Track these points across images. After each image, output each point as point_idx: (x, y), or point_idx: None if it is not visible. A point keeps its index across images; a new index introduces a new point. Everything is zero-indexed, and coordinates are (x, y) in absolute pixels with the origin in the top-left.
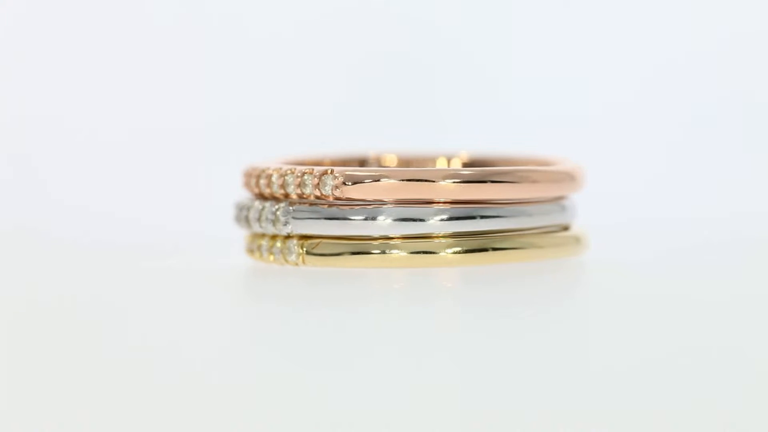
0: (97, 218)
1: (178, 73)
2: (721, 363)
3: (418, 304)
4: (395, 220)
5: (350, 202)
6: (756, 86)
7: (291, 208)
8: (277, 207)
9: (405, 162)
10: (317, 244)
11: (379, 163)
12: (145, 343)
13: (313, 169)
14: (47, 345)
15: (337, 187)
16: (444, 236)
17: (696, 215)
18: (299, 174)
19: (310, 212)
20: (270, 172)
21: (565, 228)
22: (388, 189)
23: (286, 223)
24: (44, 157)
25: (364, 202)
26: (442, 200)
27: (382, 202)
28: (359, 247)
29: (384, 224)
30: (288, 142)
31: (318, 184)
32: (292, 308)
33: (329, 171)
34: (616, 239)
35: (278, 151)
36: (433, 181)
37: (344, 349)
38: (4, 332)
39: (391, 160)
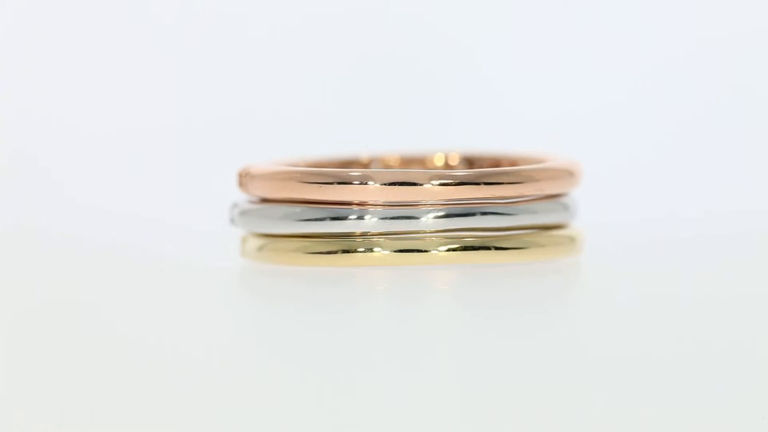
0: (97, 216)
1: (181, 71)
2: (721, 362)
3: (415, 303)
4: (301, 220)
5: (260, 199)
6: (753, 84)
7: (238, 207)
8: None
9: (403, 162)
10: (246, 240)
11: (378, 164)
12: (142, 341)
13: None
14: (43, 345)
15: (247, 185)
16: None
17: (694, 212)
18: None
19: (239, 211)
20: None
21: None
22: (287, 187)
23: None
24: (43, 155)
25: (274, 201)
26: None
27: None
28: (280, 245)
29: (286, 223)
30: (304, 143)
31: (242, 183)
32: (289, 308)
33: (248, 169)
34: (614, 238)
35: (294, 151)
36: (319, 183)
37: (336, 350)
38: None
39: (390, 160)
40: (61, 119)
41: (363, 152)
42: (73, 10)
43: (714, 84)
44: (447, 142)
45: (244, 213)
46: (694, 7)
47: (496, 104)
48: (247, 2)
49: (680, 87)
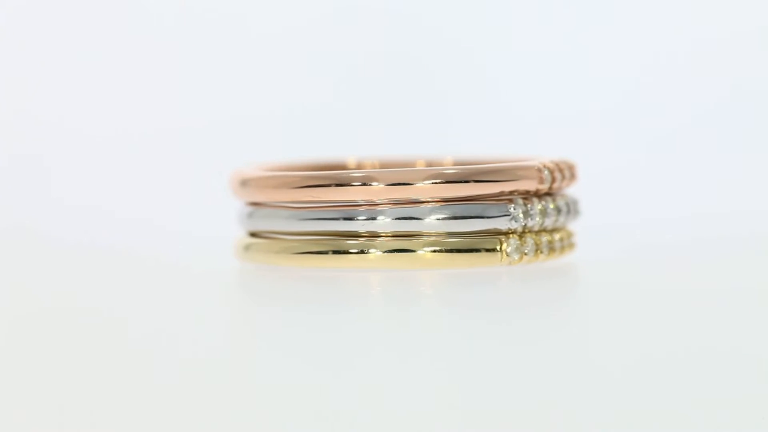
0: (95, 218)
1: (176, 73)
2: (720, 361)
3: (410, 305)
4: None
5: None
6: (753, 84)
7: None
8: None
9: (387, 166)
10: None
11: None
12: (140, 343)
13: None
14: (42, 347)
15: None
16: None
17: (691, 212)
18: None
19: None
20: None
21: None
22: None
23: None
24: (43, 157)
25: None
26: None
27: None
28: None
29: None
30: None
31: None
32: (284, 309)
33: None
34: (611, 238)
35: (288, 153)
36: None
37: (332, 351)
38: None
39: (372, 166)
40: (61, 122)
41: (347, 157)
42: (74, 12)
43: (713, 84)
44: (445, 144)
45: (247, 215)
46: (693, 6)
47: (494, 105)
48: (243, 5)
49: (679, 87)
